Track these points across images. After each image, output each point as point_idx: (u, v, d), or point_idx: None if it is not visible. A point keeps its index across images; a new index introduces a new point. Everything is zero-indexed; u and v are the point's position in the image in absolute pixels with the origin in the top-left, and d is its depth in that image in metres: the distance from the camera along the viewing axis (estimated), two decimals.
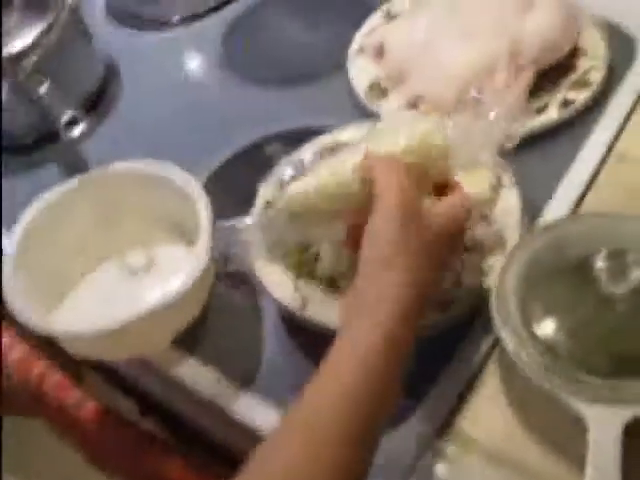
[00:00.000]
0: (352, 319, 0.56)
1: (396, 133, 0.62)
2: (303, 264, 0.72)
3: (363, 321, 0.55)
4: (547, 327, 0.63)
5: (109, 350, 0.75)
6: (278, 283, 0.72)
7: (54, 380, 0.88)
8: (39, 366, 0.89)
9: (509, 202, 0.73)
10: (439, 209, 0.60)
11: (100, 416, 0.86)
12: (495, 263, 0.69)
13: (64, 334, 0.72)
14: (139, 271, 0.80)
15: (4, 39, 0.90)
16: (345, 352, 0.55)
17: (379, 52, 0.91)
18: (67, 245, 0.79)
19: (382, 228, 0.57)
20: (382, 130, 0.67)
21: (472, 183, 0.75)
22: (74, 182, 0.80)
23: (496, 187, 0.74)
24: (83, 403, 0.87)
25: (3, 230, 0.83)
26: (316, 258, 0.71)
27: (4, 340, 0.89)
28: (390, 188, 0.58)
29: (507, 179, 0.74)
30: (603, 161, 0.81)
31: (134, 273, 0.80)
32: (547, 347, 0.61)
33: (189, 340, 0.74)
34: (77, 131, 0.83)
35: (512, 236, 0.70)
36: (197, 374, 0.73)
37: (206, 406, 0.73)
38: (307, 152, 0.80)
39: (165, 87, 1.02)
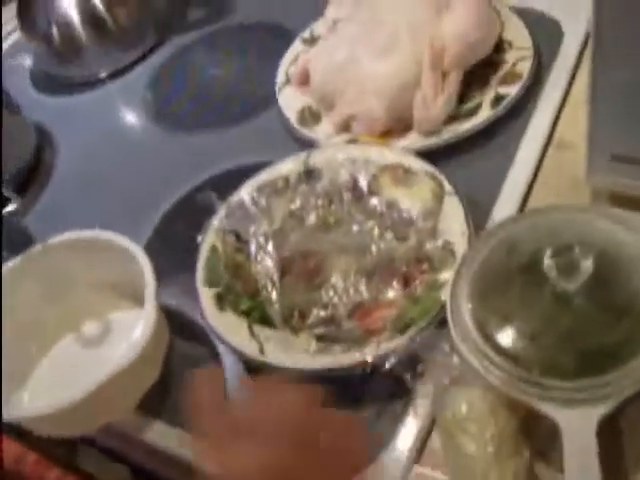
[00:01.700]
0: None
1: None
2: (255, 309, 0.70)
3: None
4: (506, 334, 0.61)
5: (75, 425, 0.73)
6: (234, 330, 0.70)
7: (31, 461, 0.86)
8: (14, 449, 0.87)
9: (452, 211, 0.72)
10: None
11: None
12: (447, 276, 0.67)
13: (24, 418, 0.71)
14: (95, 341, 0.78)
15: None
16: None
17: (304, 79, 0.90)
18: (19, 327, 0.77)
19: None
20: None
21: (413, 196, 0.74)
22: (17, 261, 0.78)
23: (439, 197, 0.73)
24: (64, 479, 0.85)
25: None
26: (267, 302, 0.70)
27: None
28: None
29: (447, 188, 0.73)
30: (544, 151, 0.80)
31: (91, 344, 0.78)
32: (509, 355, 0.60)
33: (154, 401, 0.72)
34: (12, 207, 0.81)
35: (460, 246, 0.69)
36: (166, 435, 0.72)
37: (183, 466, 0.71)
38: (245, 193, 0.79)
39: (99, 147, 1.01)
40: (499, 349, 0.60)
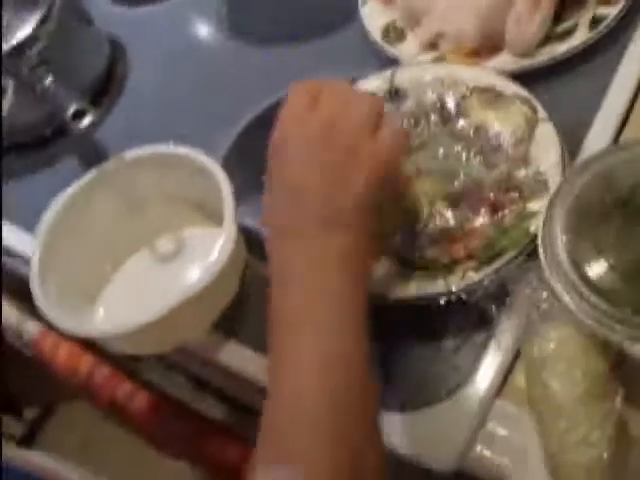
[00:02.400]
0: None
1: None
2: None
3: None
4: (600, 271, 0.58)
5: (151, 344, 0.73)
6: None
7: (102, 375, 0.87)
8: (86, 363, 0.88)
9: (546, 138, 0.68)
10: None
11: (153, 407, 0.85)
12: (538, 207, 0.64)
13: (101, 335, 0.70)
14: (170, 257, 0.77)
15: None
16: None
17: None
18: (94, 240, 0.77)
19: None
20: None
21: (503, 120, 0.71)
22: (92, 174, 0.77)
23: (531, 123, 0.69)
24: (134, 395, 0.86)
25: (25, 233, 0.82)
26: None
27: (49, 342, 0.89)
28: None
29: (541, 113, 0.69)
30: None
31: (165, 260, 0.78)
32: (602, 293, 0.57)
33: (230, 320, 0.71)
34: (88, 119, 0.79)
35: (553, 175, 0.65)
36: (240, 355, 0.71)
37: (252, 386, 0.70)
38: None
39: (173, 59, 0.97)
40: (592, 286, 0.57)
